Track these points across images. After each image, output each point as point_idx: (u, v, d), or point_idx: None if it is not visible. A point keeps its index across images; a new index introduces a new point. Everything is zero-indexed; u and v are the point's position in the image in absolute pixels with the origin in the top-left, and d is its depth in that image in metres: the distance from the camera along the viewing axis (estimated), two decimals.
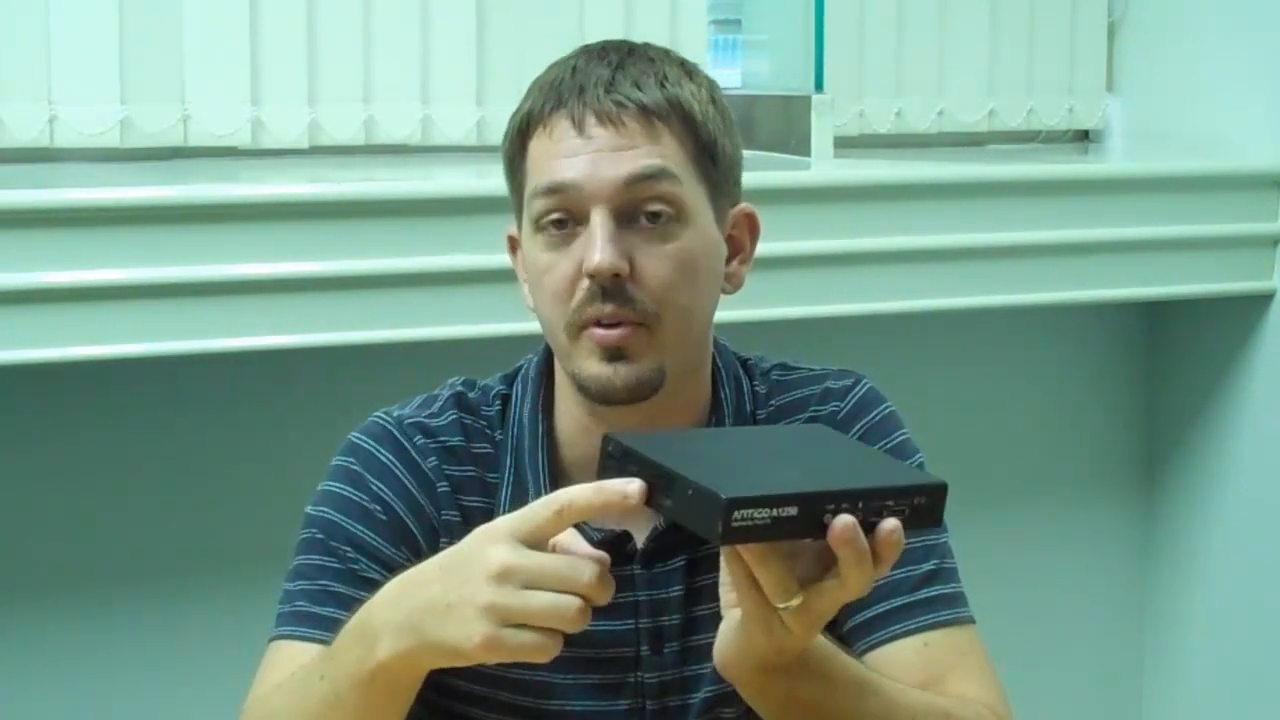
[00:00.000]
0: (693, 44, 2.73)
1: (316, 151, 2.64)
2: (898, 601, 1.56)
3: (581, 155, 1.49)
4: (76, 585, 2.51)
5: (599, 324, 1.49)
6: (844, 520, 1.22)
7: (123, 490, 2.52)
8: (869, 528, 1.24)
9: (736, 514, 1.21)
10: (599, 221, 1.48)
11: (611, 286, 1.47)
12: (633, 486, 1.24)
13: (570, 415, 1.58)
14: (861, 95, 3.03)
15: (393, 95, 2.67)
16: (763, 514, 1.21)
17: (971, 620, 1.60)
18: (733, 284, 1.59)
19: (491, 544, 1.26)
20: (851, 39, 2.99)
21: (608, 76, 1.50)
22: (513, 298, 2.25)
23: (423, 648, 1.30)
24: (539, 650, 1.25)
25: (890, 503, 1.25)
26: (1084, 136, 3.30)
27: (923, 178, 2.70)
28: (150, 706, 2.55)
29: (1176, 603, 3.18)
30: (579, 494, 1.26)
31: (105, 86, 2.50)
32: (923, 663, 1.54)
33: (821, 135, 2.77)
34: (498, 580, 1.25)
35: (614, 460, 1.28)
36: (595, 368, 1.49)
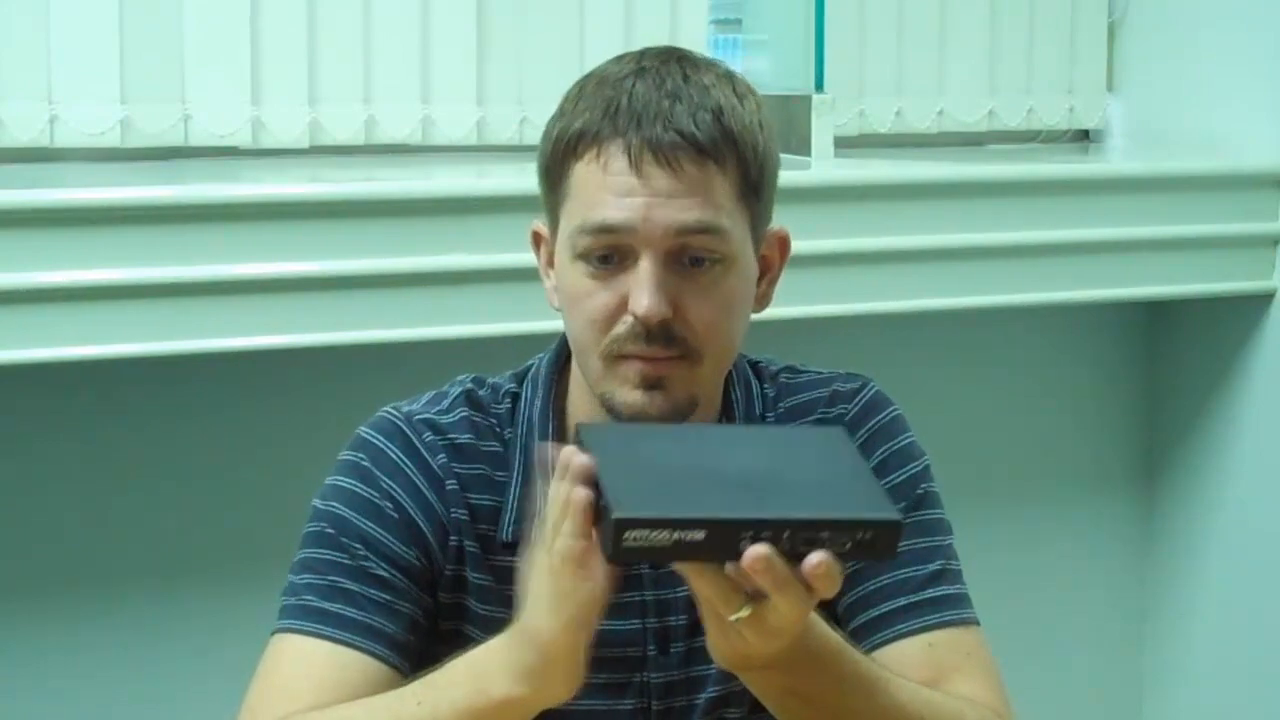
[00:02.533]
0: (693, 44, 2.72)
1: (317, 151, 2.64)
2: (903, 601, 1.57)
3: (636, 197, 1.47)
4: (76, 584, 2.51)
5: (639, 358, 1.49)
6: (754, 551, 1.21)
7: (124, 490, 2.52)
8: (800, 556, 1.22)
9: (629, 534, 1.21)
10: (648, 267, 1.47)
11: (656, 329, 1.47)
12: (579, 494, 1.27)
13: (584, 413, 1.57)
14: (862, 95, 3.03)
15: (393, 95, 2.67)
16: (662, 535, 1.21)
17: (976, 622, 1.60)
18: (761, 305, 1.59)
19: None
20: (852, 39, 2.99)
21: (667, 108, 1.48)
22: (512, 297, 2.27)
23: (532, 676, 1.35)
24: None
25: (825, 534, 1.23)
26: (1084, 136, 3.30)
27: (923, 177, 2.71)
28: (150, 705, 2.55)
29: (1177, 601, 3.18)
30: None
31: (105, 86, 2.50)
32: (927, 662, 1.54)
33: (822, 135, 2.78)
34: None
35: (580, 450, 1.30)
36: (631, 395, 1.49)
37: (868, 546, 1.24)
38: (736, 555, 1.22)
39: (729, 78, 1.55)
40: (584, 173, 1.50)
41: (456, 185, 2.44)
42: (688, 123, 1.48)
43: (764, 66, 3.00)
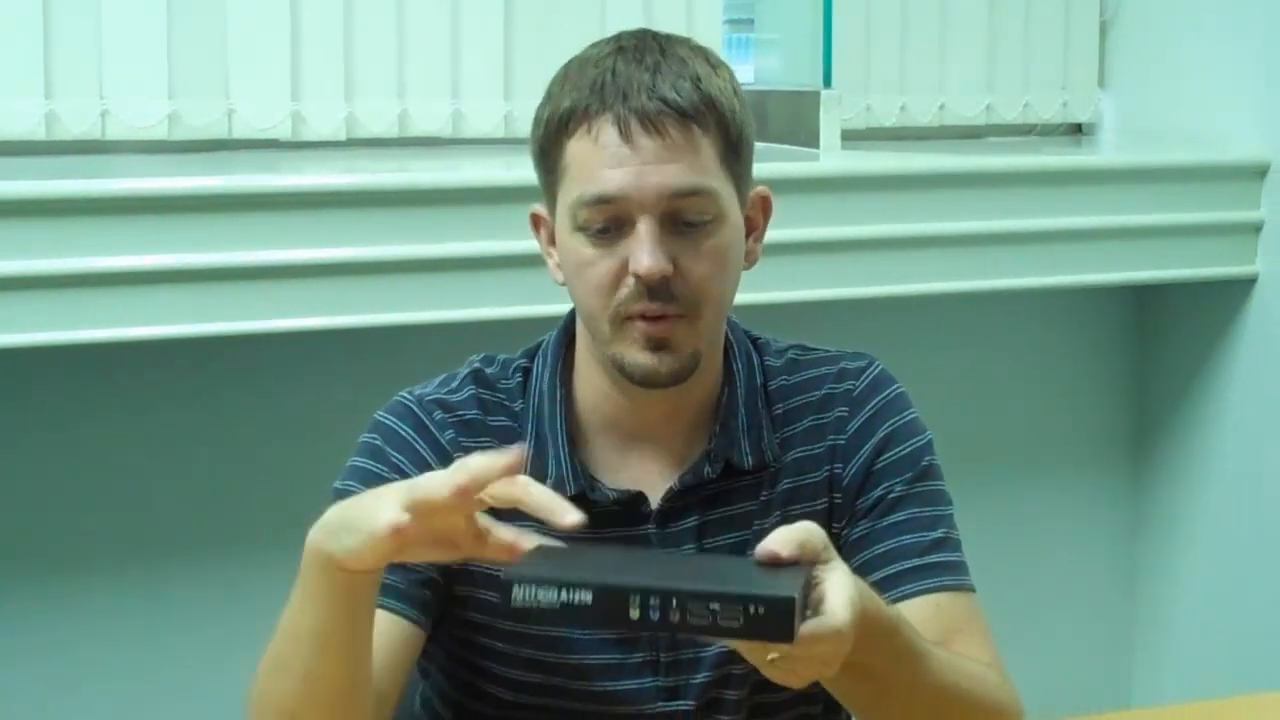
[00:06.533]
0: (708, 42, 2.69)
1: (353, 144, 2.70)
2: (909, 564, 1.60)
3: (629, 166, 1.52)
4: (132, 553, 2.57)
5: (643, 316, 1.55)
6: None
7: (172, 462, 2.58)
8: (696, 630, 1.23)
9: (516, 590, 1.23)
10: (645, 229, 1.53)
11: (657, 286, 1.53)
12: (569, 520, 1.30)
13: (591, 383, 1.63)
14: (867, 91, 3.08)
15: (425, 90, 2.73)
16: (550, 595, 1.23)
17: (973, 589, 1.65)
18: (750, 261, 1.65)
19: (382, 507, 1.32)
20: (858, 37, 3.04)
21: (649, 80, 1.54)
22: (537, 282, 2.31)
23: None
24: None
25: (715, 606, 1.21)
26: (1077, 129, 3.34)
27: (925, 168, 2.75)
28: (168, 681, 2.61)
29: (1165, 574, 3.22)
30: (479, 465, 1.30)
31: (154, 82, 2.57)
32: (933, 622, 1.58)
33: (829, 128, 2.83)
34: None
35: None
36: (641, 357, 1.55)
37: (761, 622, 1.22)
38: (627, 623, 1.22)
39: (701, 51, 1.62)
40: (577, 149, 1.54)
41: (485, 176, 2.49)
42: (670, 91, 1.53)
43: (775, 64, 3.06)
